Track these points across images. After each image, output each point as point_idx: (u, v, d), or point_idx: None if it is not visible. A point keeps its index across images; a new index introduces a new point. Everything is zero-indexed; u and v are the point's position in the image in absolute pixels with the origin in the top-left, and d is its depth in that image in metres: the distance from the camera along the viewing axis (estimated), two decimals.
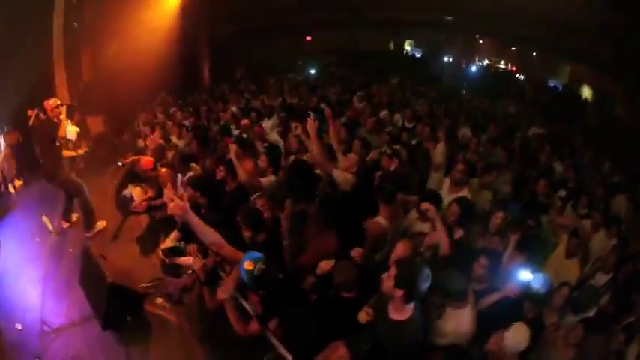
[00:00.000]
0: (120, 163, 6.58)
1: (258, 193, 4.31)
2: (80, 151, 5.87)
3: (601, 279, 4.63)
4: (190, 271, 3.88)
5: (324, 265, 3.20)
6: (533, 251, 4.11)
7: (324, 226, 3.56)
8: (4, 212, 6.12)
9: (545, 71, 15.11)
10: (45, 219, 5.85)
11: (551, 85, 15.01)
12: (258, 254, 3.09)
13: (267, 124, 7.49)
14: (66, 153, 5.76)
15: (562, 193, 5.84)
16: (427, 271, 2.64)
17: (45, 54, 9.21)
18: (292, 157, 5.35)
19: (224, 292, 3.08)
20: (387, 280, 2.64)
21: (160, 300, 4.07)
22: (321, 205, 3.59)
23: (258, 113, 7.76)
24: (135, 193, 5.88)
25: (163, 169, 5.64)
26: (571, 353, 3.47)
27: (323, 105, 6.46)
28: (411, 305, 2.67)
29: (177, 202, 2.89)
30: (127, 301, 3.90)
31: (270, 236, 3.59)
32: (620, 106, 12.37)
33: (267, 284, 3.02)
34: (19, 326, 4.10)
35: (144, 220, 5.85)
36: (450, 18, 13.86)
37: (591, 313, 3.97)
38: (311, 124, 4.44)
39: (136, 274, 4.46)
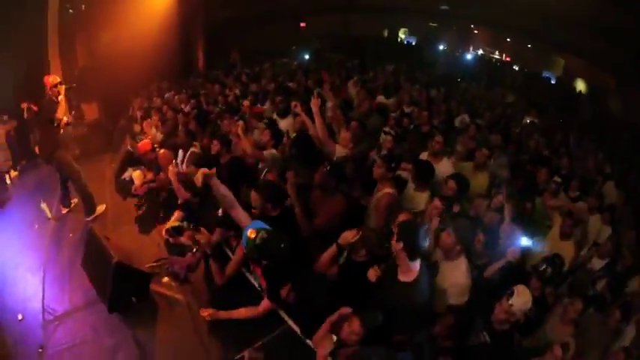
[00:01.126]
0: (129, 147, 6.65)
1: (267, 169, 4.54)
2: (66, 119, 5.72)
3: (597, 264, 4.77)
4: (195, 250, 3.90)
5: (349, 236, 3.21)
6: (528, 222, 4.34)
7: (332, 192, 3.77)
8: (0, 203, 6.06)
9: (539, 63, 15.20)
10: (43, 205, 5.75)
11: (545, 76, 15.11)
12: (262, 224, 3.14)
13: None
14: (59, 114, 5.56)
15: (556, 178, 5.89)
16: (425, 229, 2.87)
17: (39, 41, 9.10)
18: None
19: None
20: (394, 243, 2.82)
21: (166, 279, 4.01)
22: (332, 171, 3.77)
23: (255, 97, 7.93)
24: (135, 176, 5.92)
25: (162, 150, 5.69)
26: (570, 329, 3.60)
27: (318, 89, 6.60)
28: (417, 266, 2.83)
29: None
30: (133, 282, 3.79)
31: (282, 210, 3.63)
32: (614, 100, 12.53)
33: (268, 254, 3.04)
34: (20, 317, 4.00)
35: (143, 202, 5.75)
36: (445, 7, 13.80)
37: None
38: (315, 101, 4.79)
39: (140, 255, 4.36)
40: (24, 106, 5.27)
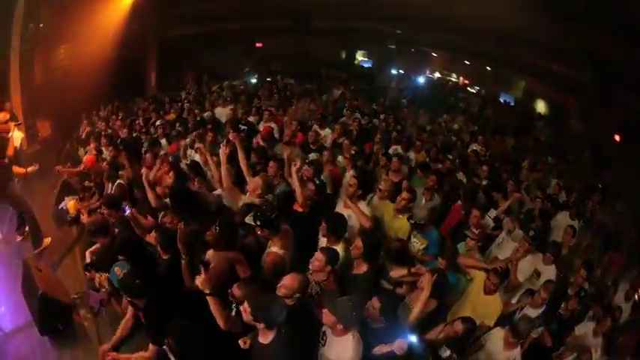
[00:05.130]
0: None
1: (164, 212, 4.57)
2: (30, 169, 5.89)
3: (530, 314, 4.43)
4: (101, 288, 4.06)
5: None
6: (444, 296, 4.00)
7: (224, 249, 3.65)
8: None
9: (499, 86, 15.18)
10: None
11: (504, 99, 15.09)
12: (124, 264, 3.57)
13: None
14: (15, 169, 5.86)
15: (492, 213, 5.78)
16: (281, 305, 2.86)
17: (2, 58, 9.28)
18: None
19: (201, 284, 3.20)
20: (244, 311, 2.87)
21: (83, 312, 4.34)
22: (220, 227, 3.66)
23: (184, 128, 7.67)
24: (69, 205, 6.04)
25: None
26: None
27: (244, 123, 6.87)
28: (273, 330, 2.86)
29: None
30: (57, 311, 4.14)
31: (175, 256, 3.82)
32: (576, 120, 12.68)
33: (127, 289, 3.43)
34: None
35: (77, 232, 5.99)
36: (399, 31, 13.98)
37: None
38: (223, 149, 4.65)
39: (68, 285, 4.69)
40: None
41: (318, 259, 3.50)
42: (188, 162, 5.82)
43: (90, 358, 3.96)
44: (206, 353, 3.03)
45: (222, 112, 9.11)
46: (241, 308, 2.89)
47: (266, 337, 2.88)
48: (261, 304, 2.84)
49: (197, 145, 5.79)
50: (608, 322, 4.64)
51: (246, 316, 2.85)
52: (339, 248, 3.90)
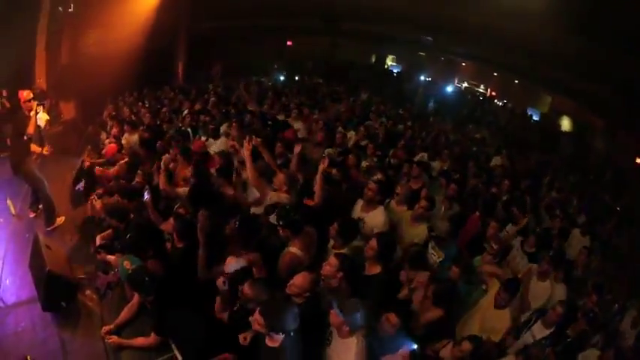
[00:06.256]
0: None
1: (178, 204, 4.57)
2: (45, 150, 5.97)
3: (539, 332, 4.27)
4: (116, 269, 4.11)
5: (230, 262, 3.44)
6: (450, 305, 3.87)
7: (243, 247, 3.63)
8: None
9: (526, 100, 15.07)
10: (9, 202, 6.09)
11: (529, 114, 14.95)
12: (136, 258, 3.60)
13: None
14: (33, 147, 5.80)
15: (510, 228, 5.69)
16: (293, 312, 2.75)
17: (29, 36, 9.44)
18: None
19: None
20: (257, 323, 2.74)
21: (88, 292, 4.36)
22: (240, 224, 3.66)
23: (210, 119, 7.74)
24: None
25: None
26: None
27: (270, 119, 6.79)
28: (281, 335, 2.75)
29: None
30: (62, 289, 4.18)
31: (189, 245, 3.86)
32: (600, 139, 12.60)
33: (135, 284, 3.49)
34: None
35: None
36: (430, 38, 13.93)
37: None
38: (247, 145, 4.55)
39: (75, 264, 4.74)
40: None
41: (330, 265, 3.39)
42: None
43: (90, 338, 3.99)
44: (205, 345, 3.04)
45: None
46: (252, 319, 2.77)
47: (274, 341, 2.78)
48: (276, 318, 2.72)
49: (230, 143, 5.82)
50: (612, 356, 4.36)
51: (261, 328, 2.73)
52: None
